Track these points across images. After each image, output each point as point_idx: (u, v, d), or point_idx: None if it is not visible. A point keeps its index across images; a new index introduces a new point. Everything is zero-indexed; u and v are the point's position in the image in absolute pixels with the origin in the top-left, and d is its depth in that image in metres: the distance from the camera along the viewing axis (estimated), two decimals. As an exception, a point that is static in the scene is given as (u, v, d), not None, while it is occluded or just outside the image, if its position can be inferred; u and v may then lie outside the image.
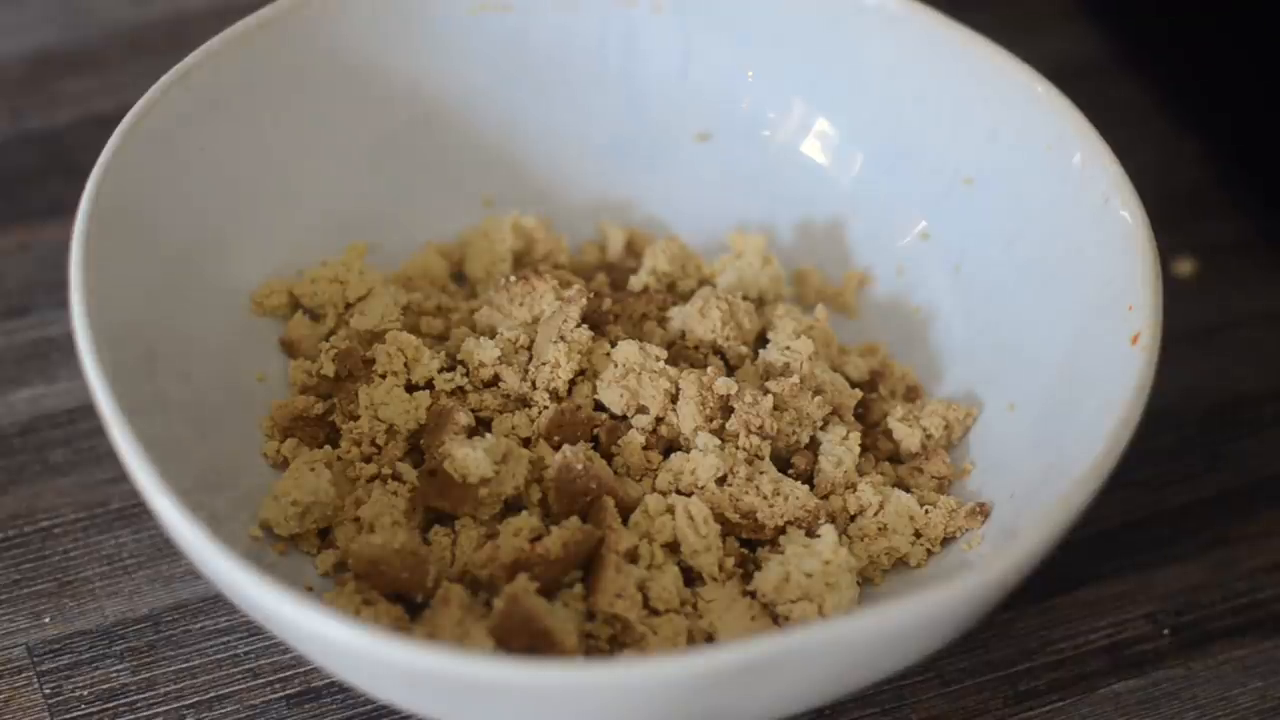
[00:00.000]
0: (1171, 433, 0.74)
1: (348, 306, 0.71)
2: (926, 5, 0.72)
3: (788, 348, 0.68)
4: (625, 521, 0.64)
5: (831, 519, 0.65)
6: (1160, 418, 0.68)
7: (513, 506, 0.65)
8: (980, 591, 0.56)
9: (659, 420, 0.66)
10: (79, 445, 0.71)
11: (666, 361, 0.67)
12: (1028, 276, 0.69)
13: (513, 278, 0.69)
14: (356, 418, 0.67)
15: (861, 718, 0.65)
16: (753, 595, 0.63)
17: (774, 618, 0.63)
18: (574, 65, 0.75)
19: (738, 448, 0.65)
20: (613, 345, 0.68)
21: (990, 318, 0.70)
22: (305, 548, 0.65)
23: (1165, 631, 0.68)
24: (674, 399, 0.66)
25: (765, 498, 0.65)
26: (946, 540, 0.66)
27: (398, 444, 0.66)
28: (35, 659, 0.66)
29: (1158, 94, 0.86)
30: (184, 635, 0.66)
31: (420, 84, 0.74)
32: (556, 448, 0.65)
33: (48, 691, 0.65)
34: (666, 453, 0.67)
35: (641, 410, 0.67)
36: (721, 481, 0.65)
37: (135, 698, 0.65)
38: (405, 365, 0.67)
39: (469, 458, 0.63)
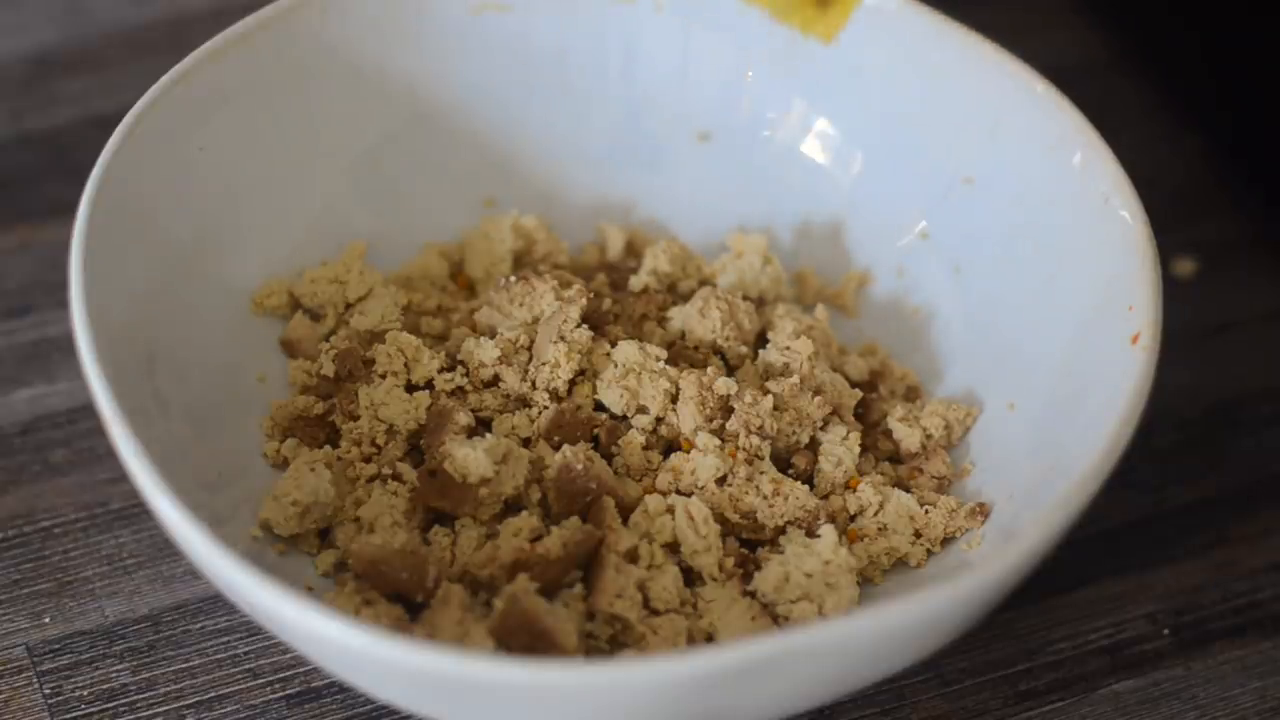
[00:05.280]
0: (1171, 433, 0.74)
1: (348, 306, 0.71)
2: (926, 5, 0.72)
3: (788, 348, 0.68)
4: (625, 521, 0.64)
5: (831, 519, 0.65)
6: (1160, 418, 0.69)
7: (513, 506, 0.65)
8: (980, 591, 0.56)
9: (659, 420, 0.67)
10: (79, 445, 0.71)
11: (666, 361, 0.67)
12: (1028, 276, 0.69)
13: (513, 278, 0.69)
14: (356, 418, 0.67)
15: (861, 718, 0.65)
16: (753, 595, 0.63)
17: (774, 618, 0.63)
18: (574, 65, 0.75)
19: (738, 448, 0.65)
20: (613, 345, 0.68)
21: (990, 317, 0.70)
22: (305, 548, 0.65)
23: (1165, 631, 0.68)
24: (674, 399, 0.66)
25: (765, 498, 0.65)
26: (946, 540, 0.66)
27: (398, 444, 0.66)
28: (35, 659, 0.66)
29: (1158, 94, 0.86)
30: (184, 635, 0.66)
31: (420, 84, 0.74)
32: (556, 448, 0.65)
33: (48, 691, 0.65)
34: (666, 453, 0.67)
35: (641, 410, 0.67)
36: (721, 481, 0.65)
37: (135, 698, 0.65)
38: (405, 365, 0.67)
39: (469, 458, 0.63)
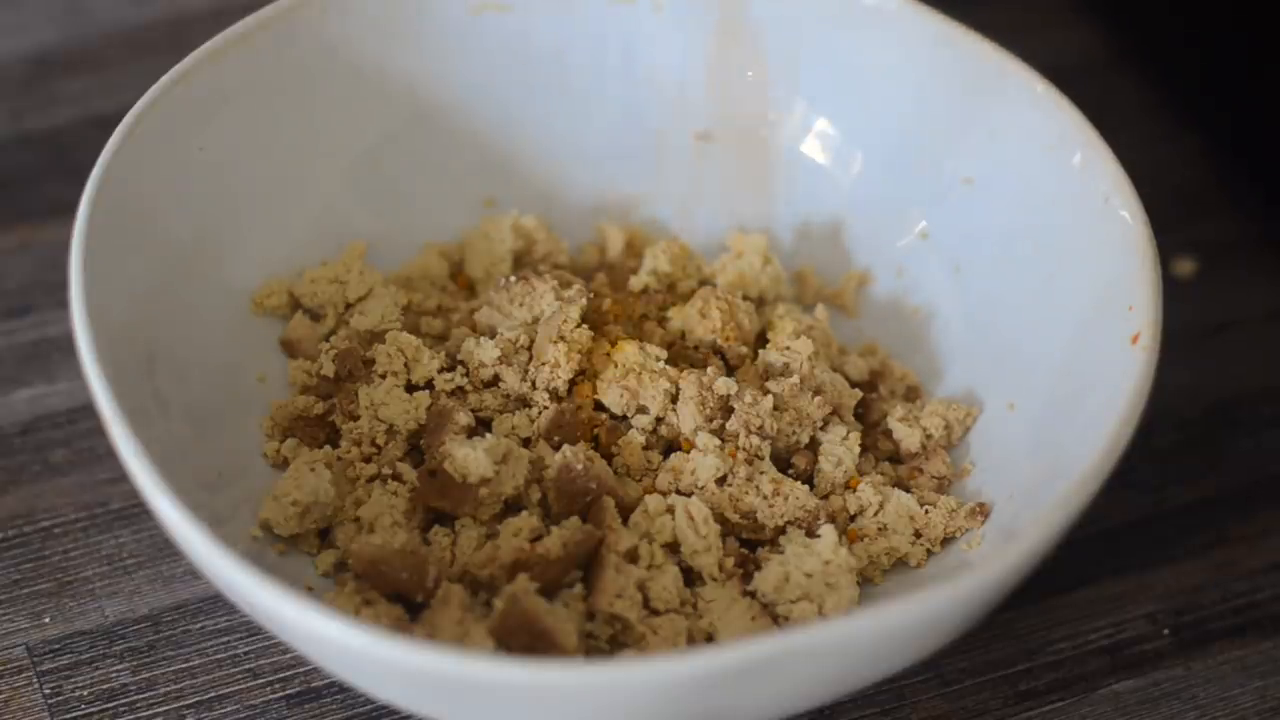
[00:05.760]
0: (1171, 433, 0.74)
1: (348, 306, 0.71)
2: (926, 5, 0.72)
3: (788, 348, 0.68)
4: (625, 521, 0.64)
5: (831, 519, 0.65)
6: (1160, 418, 0.69)
7: (513, 506, 0.65)
8: (980, 591, 0.56)
9: (659, 420, 0.67)
10: (79, 445, 0.71)
11: (666, 361, 0.67)
12: (1028, 276, 0.69)
13: (513, 278, 0.69)
14: (356, 418, 0.67)
15: (861, 718, 0.65)
16: (753, 595, 0.63)
17: (774, 618, 0.63)
18: (573, 65, 0.74)
19: (738, 448, 0.65)
20: (613, 345, 0.68)
21: (990, 318, 0.70)
22: (305, 548, 0.65)
23: (1165, 631, 0.68)
24: (674, 399, 0.66)
25: (765, 498, 0.65)
26: (946, 540, 0.66)
27: (398, 444, 0.66)
28: (35, 659, 0.66)
29: (1158, 93, 0.86)
30: (184, 635, 0.66)
31: (420, 84, 0.74)
32: (556, 448, 0.65)
33: (48, 691, 0.65)
34: (666, 453, 0.67)
35: (641, 410, 0.67)
36: (721, 481, 0.65)
37: (135, 698, 0.65)
38: (405, 365, 0.67)
39: (469, 458, 0.63)
